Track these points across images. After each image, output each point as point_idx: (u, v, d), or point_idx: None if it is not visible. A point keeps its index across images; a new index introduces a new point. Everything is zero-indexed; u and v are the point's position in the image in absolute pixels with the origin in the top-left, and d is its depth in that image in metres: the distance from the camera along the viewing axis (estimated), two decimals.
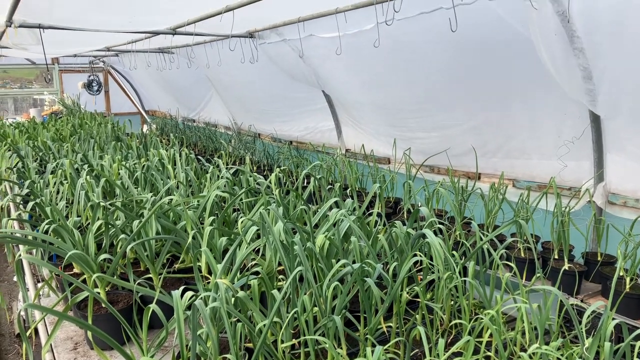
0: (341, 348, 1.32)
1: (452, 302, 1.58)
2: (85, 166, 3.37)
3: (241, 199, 2.42)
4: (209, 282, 2.00)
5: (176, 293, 1.27)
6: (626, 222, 2.89)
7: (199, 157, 3.95)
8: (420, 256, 1.44)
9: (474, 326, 1.44)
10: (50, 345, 1.93)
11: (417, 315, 1.62)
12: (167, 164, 3.29)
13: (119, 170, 3.10)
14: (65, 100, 8.55)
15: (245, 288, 1.45)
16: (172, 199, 2.44)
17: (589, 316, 1.20)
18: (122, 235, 2.00)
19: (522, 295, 1.41)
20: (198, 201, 2.45)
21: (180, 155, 3.57)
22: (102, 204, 2.11)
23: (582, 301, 2.62)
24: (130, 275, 1.91)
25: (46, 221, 2.20)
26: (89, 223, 2.33)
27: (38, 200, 2.65)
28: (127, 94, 11.09)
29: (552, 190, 3.01)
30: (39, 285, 2.57)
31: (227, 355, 1.13)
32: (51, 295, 2.41)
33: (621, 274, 2.60)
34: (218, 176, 3.02)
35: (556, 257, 2.84)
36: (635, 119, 2.75)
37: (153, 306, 1.36)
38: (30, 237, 2.04)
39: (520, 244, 2.89)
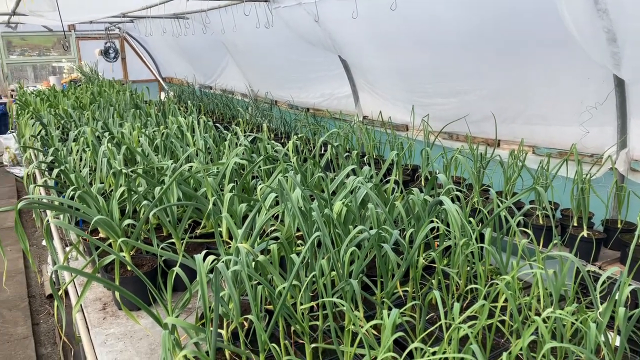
0: (358, 311, 1.36)
1: (468, 268, 1.60)
2: (106, 134, 3.43)
3: (259, 167, 2.45)
4: (229, 247, 2.06)
5: (199, 257, 1.31)
6: None
7: (217, 124, 3.97)
8: (437, 223, 1.46)
9: (489, 291, 1.47)
10: (81, 305, 2.02)
11: (433, 281, 1.65)
12: (186, 131, 3.32)
13: (139, 137, 3.14)
14: (84, 67, 8.60)
15: (265, 253, 1.49)
16: (192, 166, 2.48)
17: (604, 282, 1.21)
18: (145, 202, 2.06)
19: (539, 261, 1.43)
20: (217, 168, 2.49)
21: (198, 123, 3.60)
22: (124, 171, 2.16)
23: (600, 268, 2.62)
24: (153, 239, 1.97)
25: (71, 188, 2.26)
26: (112, 190, 2.38)
27: (62, 168, 2.72)
28: (144, 60, 11.09)
29: (572, 157, 2.97)
30: (68, 249, 2.67)
31: (249, 316, 1.18)
32: (79, 259, 2.50)
33: None
34: (236, 144, 3.05)
35: (575, 224, 2.83)
36: None
37: (177, 269, 1.41)
38: (57, 203, 2.10)
39: (538, 210, 2.88)
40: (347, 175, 2.52)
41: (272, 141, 2.92)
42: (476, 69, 3.67)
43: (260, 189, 1.77)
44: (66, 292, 4.35)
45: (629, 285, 1.25)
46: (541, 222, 2.84)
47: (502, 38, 3.26)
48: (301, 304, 1.31)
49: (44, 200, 2.00)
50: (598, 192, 2.82)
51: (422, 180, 3.58)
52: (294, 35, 5.22)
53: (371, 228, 1.66)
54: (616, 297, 1.10)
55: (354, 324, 1.23)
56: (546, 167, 3.02)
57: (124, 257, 2.02)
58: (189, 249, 2.21)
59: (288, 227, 1.68)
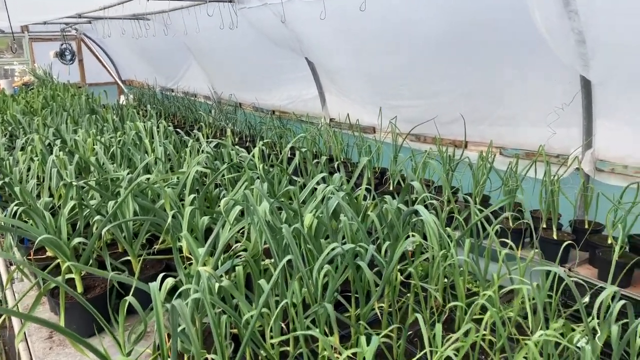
0: (332, 335, 1.25)
1: (446, 279, 1.52)
2: (58, 141, 3.21)
3: (223, 175, 2.31)
4: (191, 264, 1.91)
5: (154, 285, 1.17)
6: (614, 189, 2.87)
7: (178, 129, 3.80)
8: (414, 235, 1.36)
9: (470, 304, 1.38)
10: (24, 333, 1.84)
11: (409, 294, 1.56)
12: (144, 137, 3.14)
13: (93, 145, 2.95)
14: (37, 70, 8.19)
15: (230, 271, 1.37)
16: (149, 177, 2.33)
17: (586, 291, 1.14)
18: (98, 217, 1.89)
19: (520, 273, 1.35)
20: (177, 178, 2.34)
21: (158, 128, 3.42)
22: (74, 183, 1.99)
23: (570, 269, 2.60)
24: (107, 259, 1.81)
25: (15, 202, 2.06)
26: (61, 203, 2.20)
27: (7, 180, 2.50)
28: (103, 63, 10.69)
29: (541, 158, 2.95)
30: (12, 268, 2.46)
31: (211, 357, 1.05)
32: (25, 280, 2.30)
33: (609, 241, 2.59)
34: (198, 150, 2.89)
35: (544, 226, 2.81)
36: (628, 84, 2.68)
37: (130, 298, 1.27)
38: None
39: (508, 212, 2.85)
40: (317, 183, 2.41)
41: (237, 147, 2.79)
42: (445, 71, 3.63)
43: (225, 201, 1.64)
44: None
45: (615, 297, 1.19)
46: (511, 224, 2.81)
47: (471, 40, 3.22)
48: (271, 335, 1.19)
49: None
50: (565, 192, 2.81)
51: (392, 183, 3.52)
52: (259, 37, 5.08)
53: (344, 242, 1.56)
54: (606, 312, 1.03)
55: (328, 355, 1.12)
56: (514, 168, 2.99)
57: (74, 279, 1.84)
58: (147, 266, 2.06)
59: (254, 243, 1.55)
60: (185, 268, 1.65)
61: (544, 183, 2.81)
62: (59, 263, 1.99)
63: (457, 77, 3.62)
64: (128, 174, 2.24)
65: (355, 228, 1.50)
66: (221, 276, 1.27)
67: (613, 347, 1.00)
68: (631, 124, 2.85)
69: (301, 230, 1.32)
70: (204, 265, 1.35)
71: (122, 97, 9.03)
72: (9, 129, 3.88)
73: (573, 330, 1.15)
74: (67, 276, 1.83)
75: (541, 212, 2.82)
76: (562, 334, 1.12)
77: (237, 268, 1.30)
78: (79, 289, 1.84)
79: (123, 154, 2.90)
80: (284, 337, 1.10)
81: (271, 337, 1.15)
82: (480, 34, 3.12)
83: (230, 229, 1.62)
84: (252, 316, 1.07)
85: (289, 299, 1.11)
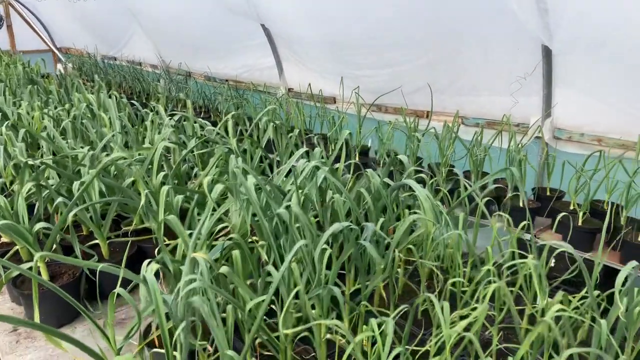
0: (339, 320, 1.22)
1: (436, 254, 1.51)
2: None
3: (192, 151, 2.19)
4: (167, 245, 1.81)
5: (151, 278, 1.07)
6: (570, 156, 2.98)
7: (132, 101, 3.57)
8: (418, 213, 1.34)
9: (471, 282, 1.39)
10: None
11: (400, 271, 1.54)
12: (97, 110, 2.93)
13: (41, 119, 2.71)
14: None
15: (221, 258, 1.29)
16: (112, 154, 2.17)
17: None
18: (60, 199, 1.73)
19: (512, 245, 1.37)
20: (139, 154, 2.19)
21: (110, 100, 3.19)
22: (30, 162, 1.81)
23: (535, 236, 2.70)
24: (75, 244, 1.68)
25: None
26: (12, 185, 2.01)
27: None
28: (34, 28, 9.88)
29: (501, 127, 3.01)
30: None
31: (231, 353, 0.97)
32: None
33: (572, 208, 2.70)
34: (159, 124, 2.73)
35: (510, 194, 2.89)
36: (586, 55, 2.76)
37: (120, 290, 1.17)
38: None
39: (475, 183, 2.90)
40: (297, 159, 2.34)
41: (200, 119, 2.65)
42: (409, 40, 3.59)
43: (207, 179, 1.54)
44: None
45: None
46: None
47: (435, 8, 3.19)
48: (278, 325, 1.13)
49: None
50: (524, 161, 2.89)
51: (357, 155, 3.50)
52: (212, 1, 4.83)
53: (332, 219, 1.51)
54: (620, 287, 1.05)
55: (337, 334, 1.09)
56: (479, 137, 3.04)
57: (38, 267, 1.70)
58: (116, 249, 1.93)
59: (241, 224, 1.48)
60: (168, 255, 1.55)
61: (509, 152, 2.87)
62: (17, 250, 1.83)
63: (420, 46, 3.60)
64: (89, 150, 2.07)
65: (347, 205, 1.45)
66: (215, 260, 1.20)
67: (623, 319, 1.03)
68: (588, 94, 2.94)
69: (297, 210, 1.25)
70: (194, 250, 1.26)
71: (60, 66, 8.42)
72: None
73: (570, 302, 1.17)
74: (29, 264, 1.68)
75: (507, 180, 2.89)
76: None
77: (233, 252, 1.22)
78: (45, 276, 1.70)
79: (76, 129, 2.69)
80: (301, 328, 1.05)
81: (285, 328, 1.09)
82: (445, 2, 3.09)
83: (210, 210, 1.53)
84: (257, 305, 1.01)
85: (303, 286, 1.05)
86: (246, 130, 2.89)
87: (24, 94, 3.48)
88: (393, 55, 3.82)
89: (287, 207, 1.29)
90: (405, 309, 1.24)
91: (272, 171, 2.29)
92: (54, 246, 1.75)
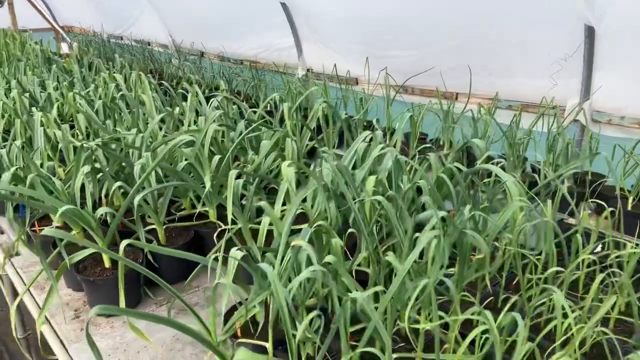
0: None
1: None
2: (26, 95, 2.85)
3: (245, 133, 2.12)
4: (223, 231, 1.77)
5: (266, 267, 1.02)
6: (609, 140, 2.93)
7: (161, 81, 3.48)
8: (525, 203, 1.29)
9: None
10: (45, 316, 1.65)
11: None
12: (127, 91, 2.85)
13: (76, 101, 2.63)
14: None
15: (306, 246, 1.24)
16: (158, 136, 2.11)
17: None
18: (119, 183, 1.68)
19: (607, 233, 1.33)
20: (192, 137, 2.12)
21: (140, 81, 3.12)
22: (87, 144, 1.74)
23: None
24: (140, 231, 1.63)
25: (12, 169, 1.80)
26: (70, 169, 1.95)
27: None
28: (35, 5, 9.64)
29: (542, 110, 2.95)
30: (3, 238, 2.21)
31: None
32: (23, 252, 2.07)
33: (618, 192, 2.66)
34: (195, 107, 2.66)
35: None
36: (633, 37, 2.69)
37: (227, 282, 1.12)
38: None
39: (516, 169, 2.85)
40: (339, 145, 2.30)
41: (242, 102, 2.59)
42: (440, 19, 3.51)
43: (284, 165, 1.47)
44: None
45: None
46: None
47: None
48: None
49: None
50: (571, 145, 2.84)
51: (388, 137, 3.44)
52: None
53: (412, 209, 1.46)
54: None
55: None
56: (517, 120, 2.98)
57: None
58: (172, 234, 1.89)
59: (317, 210, 1.42)
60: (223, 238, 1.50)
61: (549, 135, 2.82)
62: (74, 235, 1.78)
63: (452, 26, 3.52)
64: (137, 133, 2.01)
65: (427, 192, 1.41)
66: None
67: None
68: (631, 77, 2.89)
69: (380, 198, 1.21)
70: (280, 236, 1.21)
71: (64, 45, 8.25)
72: None
73: None
74: (89, 251, 1.63)
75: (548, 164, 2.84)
76: None
77: (333, 241, 1.18)
78: (107, 263, 1.66)
79: (111, 111, 2.62)
80: (435, 324, 1.00)
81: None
82: None
83: (283, 194, 1.49)
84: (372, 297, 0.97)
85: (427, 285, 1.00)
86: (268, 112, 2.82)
87: (50, 76, 3.38)
88: (422, 35, 3.74)
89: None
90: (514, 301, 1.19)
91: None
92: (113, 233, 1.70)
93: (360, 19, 4.03)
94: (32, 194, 1.55)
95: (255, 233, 1.76)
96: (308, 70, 5.05)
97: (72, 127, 2.65)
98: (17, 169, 1.78)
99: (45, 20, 9.91)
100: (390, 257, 1.03)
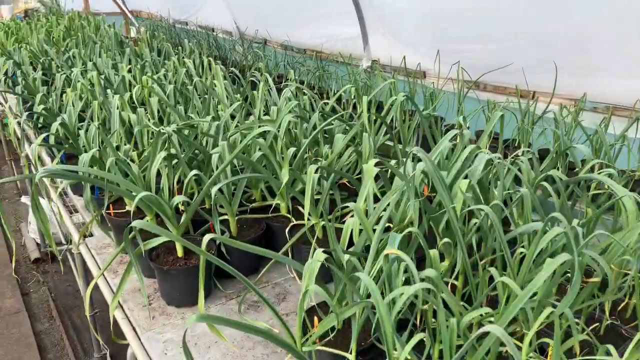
0: None
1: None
2: (101, 77, 2.90)
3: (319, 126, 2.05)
4: (295, 226, 1.70)
5: (366, 279, 0.94)
6: None
7: (231, 69, 3.47)
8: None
9: None
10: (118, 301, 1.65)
11: None
12: (196, 77, 2.84)
13: (149, 84, 2.64)
14: None
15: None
16: (231, 125, 2.07)
17: None
18: (194, 171, 1.64)
19: None
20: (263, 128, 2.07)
21: (210, 68, 3.11)
22: (164, 130, 1.72)
23: None
24: (216, 221, 1.59)
25: (91, 152, 1.81)
26: (148, 154, 1.95)
27: (60, 121, 2.24)
28: None
29: (625, 113, 2.71)
30: (80, 220, 2.25)
31: None
32: (95, 233, 2.09)
33: None
34: (264, 95, 2.61)
35: None
36: None
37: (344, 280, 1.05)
38: (81, 174, 1.66)
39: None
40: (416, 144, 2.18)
41: (310, 91, 2.51)
42: (524, 12, 3.29)
43: (369, 163, 1.39)
44: (52, 255, 3.89)
45: None
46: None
47: None
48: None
49: (65, 171, 1.56)
50: None
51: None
52: None
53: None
54: None
55: None
56: (605, 123, 2.75)
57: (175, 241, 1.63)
58: (243, 226, 1.85)
59: (402, 213, 1.33)
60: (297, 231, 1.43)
61: None
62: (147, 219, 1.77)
63: (536, 20, 3.29)
64: (212, 120, 1.98)
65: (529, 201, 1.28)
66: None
67: None
68: None
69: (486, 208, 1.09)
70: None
71: (133, 30, 8.50)
72: (39, 61, 3.53)
73: None
74: (164, 239, 1.61)
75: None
76: None
77: (432, 252, 1.08)
78: (179, 252, 1.63)
79: (182, 96, 2.62)
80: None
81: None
82: None
83: (365, 194, 1.40)
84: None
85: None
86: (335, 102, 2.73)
87: (123, 58, 3.44)
88: (500, 28, 3.53)
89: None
90: None
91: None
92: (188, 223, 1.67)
93: (434, 10, 3.86)
94: (111, 177, 1.54)
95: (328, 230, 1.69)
96: (373, 61, 4.92)
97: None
98: (96, 150, 1.79)
99: (116, 4, 10.24)
100: (505, 278, 0.92)
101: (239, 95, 2.80)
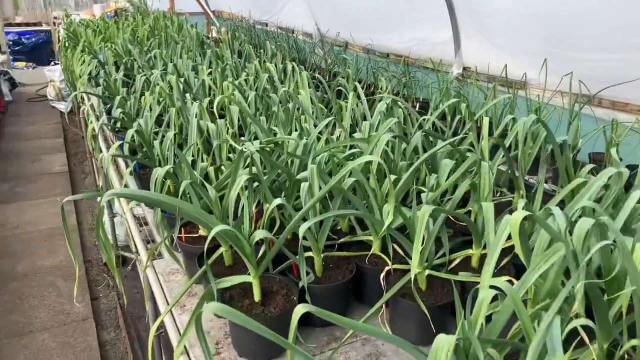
0: None
1: None
2: (181, 80, 2.75)
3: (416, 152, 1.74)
4: (396, 271, 1.40)
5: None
6: None
7: (314, 74, 3.23)
8: None
9: None
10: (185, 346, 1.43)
11: None
12: (283, 84, 2.61)
13: (229, 90, 2.45)
14: None
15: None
16: (319, 142, 1.81)
17: None
18: (278, 201, 1.39)
19: None
20: (356, 147, 1.79)
21: (292, 73, 2.88)
22: (247, 149, 1.49)
23: None
24: (302, 264, 1.33)
25: (165, 168, 1.61)
26: (226, 175, 1.73)
27: (136, 127, 2.09)
28: None
29: None
30: (150, 245, 2.09)
31: None
32: (165, 255, 1.91)
33: None
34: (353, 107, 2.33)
35: None
36: None
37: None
38: (152, 198, 1.46)
39: None
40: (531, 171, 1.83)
41: (406, 103, 2.20)
42: None
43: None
44: (123, 258, 3.84)
45: None
46: None
47: None
48: None
49: (137, 193, 1.36)
50: None
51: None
52: None
53: None
54: None
55: None
56: None
57: (251, 282, 1.38)
58: (329, 264, 1.57)
59: (550, 286, 0.99)
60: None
61: None
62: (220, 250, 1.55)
63: None
64: (300, 138, 1.72)
65: None
66: None
67: None
68: None
69: None
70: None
71: (214, 29, 8.56)
72: (122, 60, 3.47)
73: None
74: (237, 281, 1.37)
75: None
76: None
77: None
78: (257, 296, 1.39)
79: (263, 104, 2.40)
80: None
81: None
82: None
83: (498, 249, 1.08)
84: None
85: None
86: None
87: (204, 59, 3.31)
88: (626, 37, 3.03)
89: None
90: None
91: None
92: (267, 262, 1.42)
93: (542, 14, 3.41)
94: (184, 206, 1.32)
95: (432, 280, 1.39)
96: (465, 68, 4.52)
97: (221, 116, 2.49)
98: (170, 168, 1.59)
99: (199, 4, 10.43)
100: None
101: (322, 104, 2.54)
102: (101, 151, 2.76)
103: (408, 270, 1.50)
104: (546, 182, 2.11)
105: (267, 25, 8.03)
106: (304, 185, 1.41)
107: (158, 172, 1.58)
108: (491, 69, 3.91)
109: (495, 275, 1.10)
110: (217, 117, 2.13)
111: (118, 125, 2.68)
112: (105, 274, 3.53)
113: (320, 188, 1.49)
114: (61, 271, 3.46)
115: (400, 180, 1.54)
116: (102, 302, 3.27)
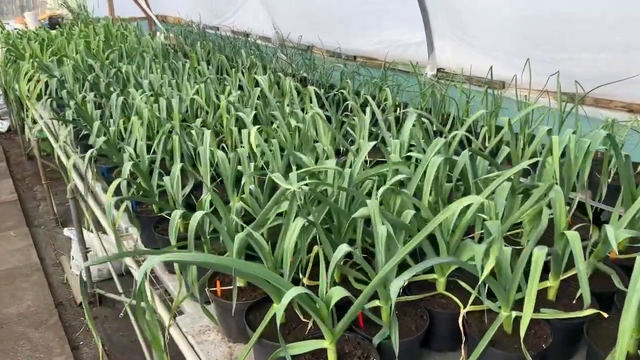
0: None
1: None
2: (164, 99, 2.47)
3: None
4: (469, 322, 1.26)
5: None
6: None
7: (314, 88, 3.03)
8: None
9: None
10: None
11: None
12: (273, 99, 2.41)
13: (231, 113, 2.20)
14: (68, 1, 7.27)
15: None
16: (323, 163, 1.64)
17: None
18: (346, 248, 1.20)
19: None
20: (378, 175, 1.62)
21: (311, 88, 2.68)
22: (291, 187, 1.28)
23: None
24: (395, 333, 1.15)
25: (198, 214, 1.37)
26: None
27: (129, 160, 1.83)
28: None
29: None
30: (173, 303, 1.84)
31: None
32: (186, 309, 1.67)
33: None
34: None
35: None
36: None
37: None
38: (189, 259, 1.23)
39: None
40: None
41: (432, 118, 2.07)
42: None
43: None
44: (100, 297, 3.48)
45: None
46: None
47: None
48: None
49: (188, 259, 1.13)
50: None
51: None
52: None
53: None
54: None
55: None
56: None
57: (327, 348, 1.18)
58: (398, 312, 1.40)
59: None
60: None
61: None
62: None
63: None
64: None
65: None
66: None
67: None
68: None
69: None
70: None
71: (161, 35, 8.11)
72: (86, 78, 3.12)
73: None
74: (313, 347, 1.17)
75: None
76: None
77: None
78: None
79: (264, 125, 2.19)
80: None
81: None
82: None
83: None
84: None
85: None
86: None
87: (184, 74, 3.02)
88: (624, 31, 3.03)
89: None
90: None
91: None
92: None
93: (521, 12, 3.40)
94: (247, 267, 1.09)
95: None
96: (439, 69, 4.46)
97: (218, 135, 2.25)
98: (204, 213, 1.35)
99: (140, 9, 9.87)
100: None
101: (332, 123, 2.36)
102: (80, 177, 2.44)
103: (482, 312, 1.37)
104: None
105: (217, 30, 7.69)
106: (382, 231, 1.22)
107: (191, 221, 1.34)
108: (467, 70, 3.87)
109: None
110: (228, 147, 1.90)
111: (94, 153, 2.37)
112: (82, 317, 3.16)
113: (382, 223, 1.31)
114: (30, 319, 3.06)
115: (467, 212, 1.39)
116: (83, 351, 2.92)
